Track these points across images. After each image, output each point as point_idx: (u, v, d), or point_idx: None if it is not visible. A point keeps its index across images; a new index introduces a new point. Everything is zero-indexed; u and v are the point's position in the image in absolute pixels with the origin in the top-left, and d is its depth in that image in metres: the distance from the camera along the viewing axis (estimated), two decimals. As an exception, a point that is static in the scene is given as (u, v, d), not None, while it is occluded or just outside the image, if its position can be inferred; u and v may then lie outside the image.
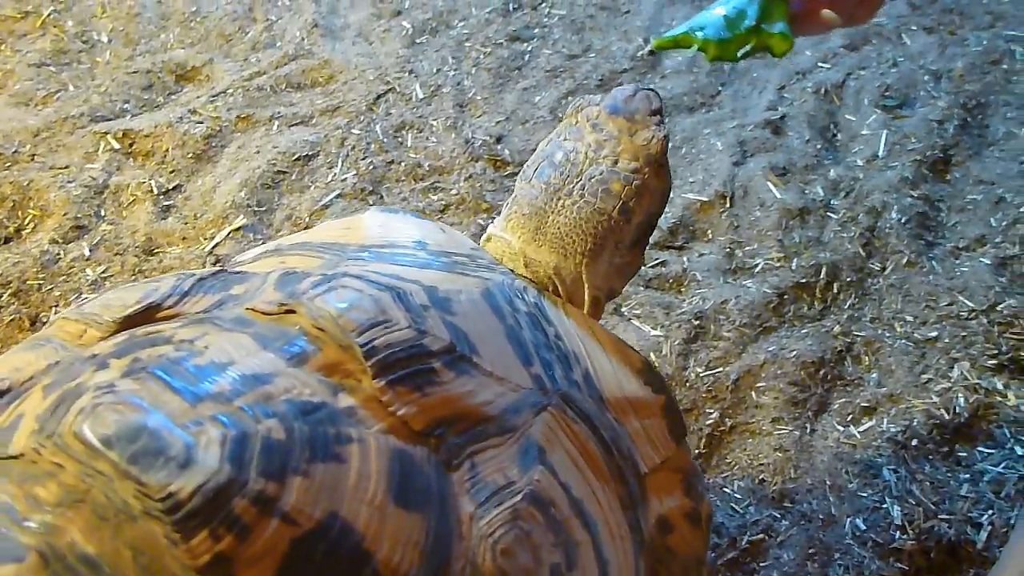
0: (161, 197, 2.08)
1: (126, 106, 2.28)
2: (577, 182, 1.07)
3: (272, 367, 0.75)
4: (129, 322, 0.86)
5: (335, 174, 2.13)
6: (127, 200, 2.07)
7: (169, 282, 0.90)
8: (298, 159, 2.15)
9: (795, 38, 1.17)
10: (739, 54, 1.16)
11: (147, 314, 0.86)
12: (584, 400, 0.93)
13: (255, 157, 2.15)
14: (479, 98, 2.35)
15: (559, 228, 1.08)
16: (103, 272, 1.93)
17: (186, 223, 2.03)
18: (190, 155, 2.16)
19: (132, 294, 0.89)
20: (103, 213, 2.05)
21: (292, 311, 0.82)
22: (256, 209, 2.04)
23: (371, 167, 2.14)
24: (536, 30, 2.56)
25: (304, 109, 2.28)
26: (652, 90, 1.11)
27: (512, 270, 1.10)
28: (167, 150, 2.16)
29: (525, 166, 1.14)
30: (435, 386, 0.80)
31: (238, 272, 0.93)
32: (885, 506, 1.64)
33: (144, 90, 2.32)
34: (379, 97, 2.33)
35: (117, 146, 2.16)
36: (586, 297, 1.12)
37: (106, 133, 2.18)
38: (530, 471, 0.81)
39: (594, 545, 0.85)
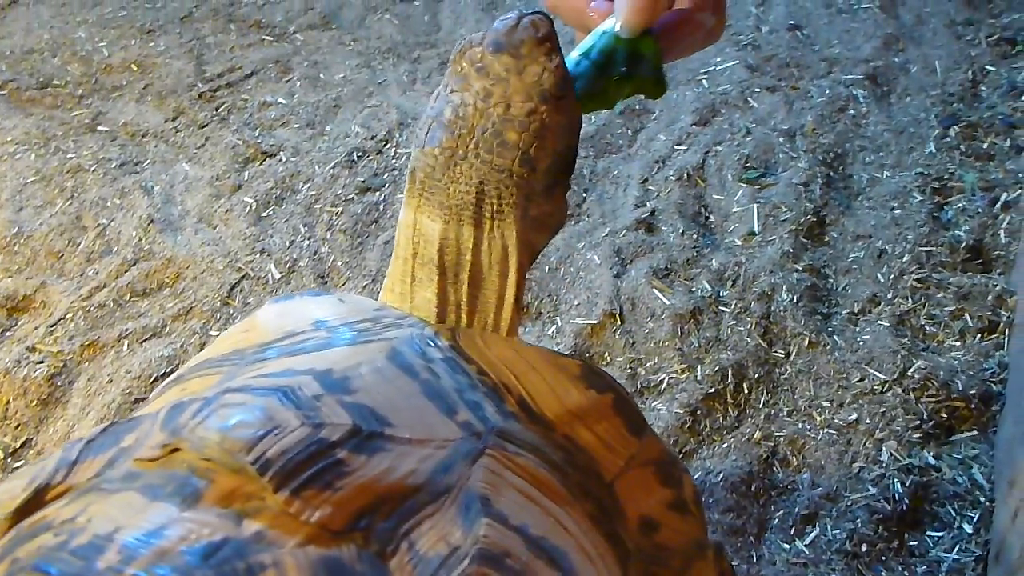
0: (9, 460, 1.86)
1: (-45, 359, 2.06)
2: (471, 140, 0.95)
3: (163, 518, 0.69)
4: (23, 512, 0.78)
5: (200, 387, 1.95)
6: (-29, 471, 1.85)
7: (56, 456, 0.83)
8: (155, 380, 1.96)
9: (667, 79, 1.07)
10: (618, 105, 1.07)
11: (39, 498, 0.79)
12: (524, 430, 0.88)
13: (108, 388, 1.95)
14: (340, 263, 2.22)
15: (463, 199, 0.96)
16: (-46, 568, 1.70)
17: (42, 484, 1.82)
18: (35, 402, 1.95)
19: (20, 481, 0.81)
20: (-55, 493, 1.82)
21: (177, 449, 0.75)
22: (118, 450, 1.84)
23: (238, 369, 1.97)
24: (386, 175, 2.46)
25: (154, 319, 2.11)
26: (539, 13, 0.97)
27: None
28: (8, 402, 1.95)
29: (417, 129, 1.00)
30: (345, 477, 0.73)
31: (129, 420, 0.86)
32: (852, 631, 1.54)
33: (-27, 335, 2.11)
34: (233, 287, 2.17)
35: (-50, 410, 1.94)
36: (511, 265, 1.00)
37: (-65, 398, 1.96)
38: (474, 528, 0.74)
39: None
